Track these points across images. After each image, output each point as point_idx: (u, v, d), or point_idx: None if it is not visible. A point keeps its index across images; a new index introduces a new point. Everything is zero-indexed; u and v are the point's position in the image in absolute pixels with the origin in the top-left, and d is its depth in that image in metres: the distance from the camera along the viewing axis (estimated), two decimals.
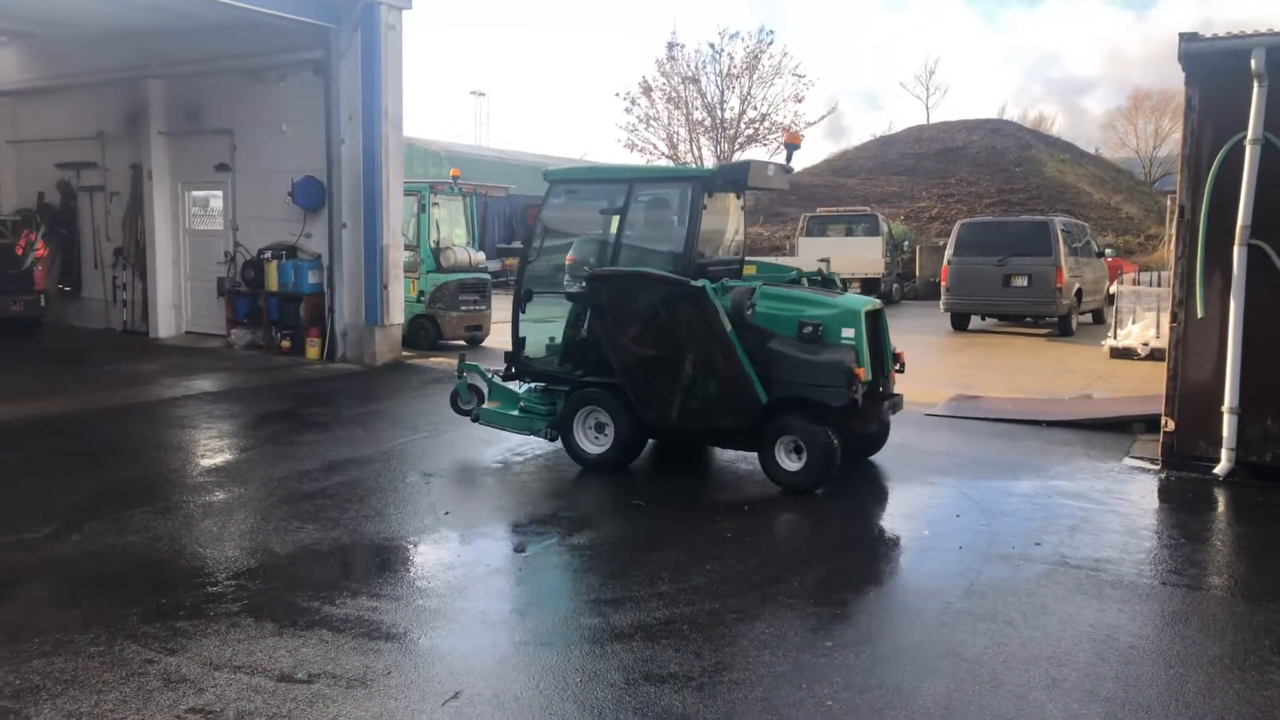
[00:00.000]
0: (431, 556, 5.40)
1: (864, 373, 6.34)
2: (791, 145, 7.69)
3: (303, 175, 12.70)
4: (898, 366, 7.11)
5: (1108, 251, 19.59)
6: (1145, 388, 11.03)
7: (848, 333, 6.42)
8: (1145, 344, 13.27)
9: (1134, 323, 13.69)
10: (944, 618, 4.47)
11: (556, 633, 4.29)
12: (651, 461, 7.43)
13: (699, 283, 6.45)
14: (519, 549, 5.46)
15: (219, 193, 14.00)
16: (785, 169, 7.70)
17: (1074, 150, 42.47)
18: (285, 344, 12.92)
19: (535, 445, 7.70)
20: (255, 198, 13.48)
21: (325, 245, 12.65)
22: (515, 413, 7.56)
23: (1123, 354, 13.36)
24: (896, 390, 7.05)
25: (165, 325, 14.42)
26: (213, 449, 7.94)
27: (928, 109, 48.74)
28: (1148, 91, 48.33)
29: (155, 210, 14.23)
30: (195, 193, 14.40)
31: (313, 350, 12.60)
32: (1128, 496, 6.59)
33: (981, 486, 6.88)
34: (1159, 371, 12.05)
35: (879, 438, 7.24)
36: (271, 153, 13.21)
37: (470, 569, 5.13)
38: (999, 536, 5.68)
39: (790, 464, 6.42)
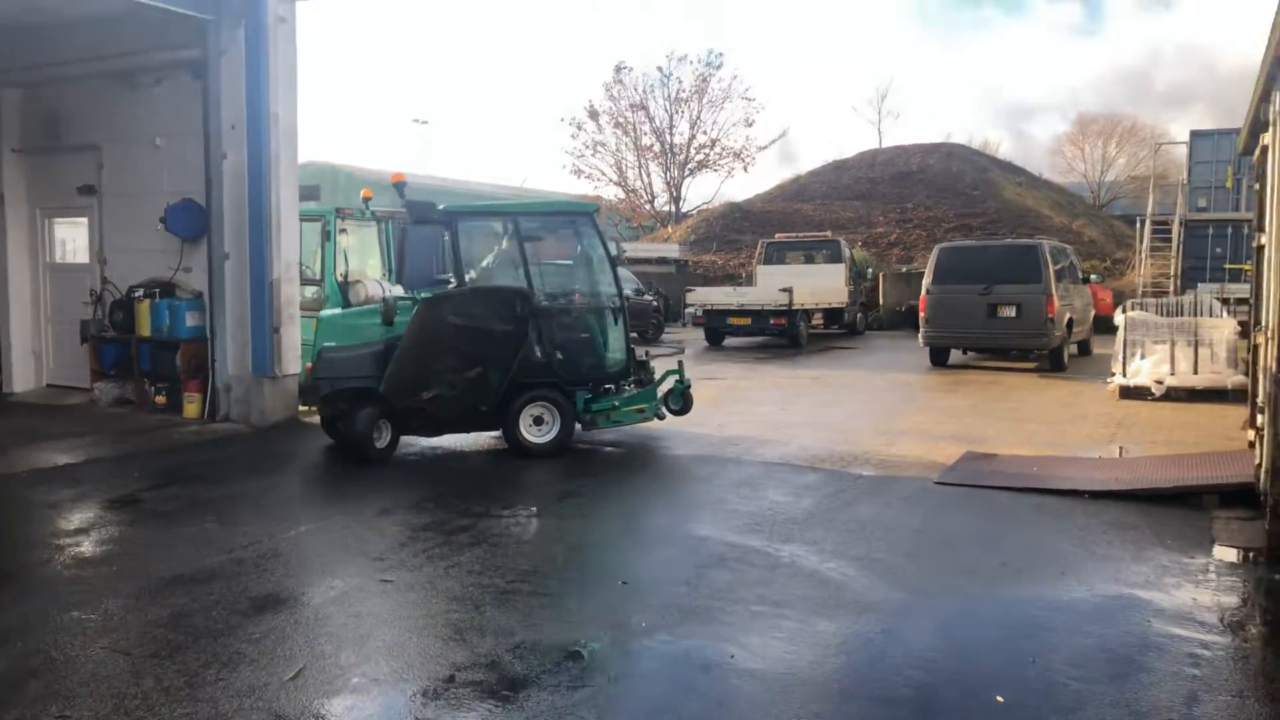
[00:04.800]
0: None
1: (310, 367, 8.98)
2: (398, 184, 8.89)
3: (180, 198, 10.65)
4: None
5: (1093, 277, 18.19)
6: (1176, 437, 9.46)
7: None
8: (1159, 382, 11.75)
9: (1143, 357, 12.15)
10: None
11: None
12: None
13: None
14: None
15: (84, 220, 11.87)
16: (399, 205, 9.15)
17: (1027, 174, 41.71)
18: (160, 399, 10.82)
19: (435, 538, 5.76)
20: (126, 225, 11.38)
21: (206, 281, 10.61)
22: None
23: (1134, 394, 11.82)
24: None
25: (22, 378, 12.18)
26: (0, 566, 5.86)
27: (880, 133, 48.02)
28: (1094, 115, 48.19)
29: (9, 242, 12.05)
30: (57, 220, 12.25)
31: (191, 407, 10.49)
32: (1251, 618, 4.84)
33: (1044, 602, 5.07)
34: (1182, 416, 10.59)
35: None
36: (144, 172, 11.15)
37: None
38: (1099, 706, 3.88)
39: None
